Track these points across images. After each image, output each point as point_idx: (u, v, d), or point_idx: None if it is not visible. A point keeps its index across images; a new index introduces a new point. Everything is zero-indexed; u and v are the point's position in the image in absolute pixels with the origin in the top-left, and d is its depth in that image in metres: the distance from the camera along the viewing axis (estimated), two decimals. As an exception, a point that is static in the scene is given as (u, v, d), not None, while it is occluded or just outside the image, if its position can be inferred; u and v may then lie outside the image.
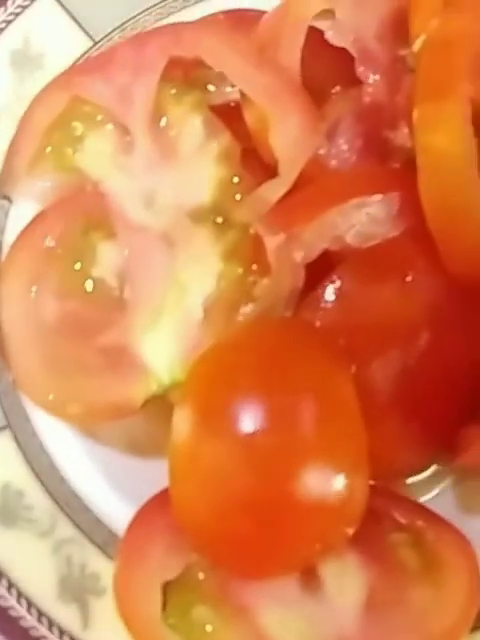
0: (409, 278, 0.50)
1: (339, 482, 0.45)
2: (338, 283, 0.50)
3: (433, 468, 0.53)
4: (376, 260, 0.50)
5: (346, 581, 0.48)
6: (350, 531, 0.47)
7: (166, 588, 0.46)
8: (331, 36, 0.54)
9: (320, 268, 0.50)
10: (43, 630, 0.48)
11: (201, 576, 0.47)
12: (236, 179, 0.53)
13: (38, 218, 0.57)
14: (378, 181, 0.51)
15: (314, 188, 0.51)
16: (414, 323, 0.50)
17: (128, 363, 0.53)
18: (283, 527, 0.46)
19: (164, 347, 0.52)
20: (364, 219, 0.50)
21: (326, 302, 0.50)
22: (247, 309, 0.50)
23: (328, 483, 0.45)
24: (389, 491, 0.52)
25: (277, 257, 0.49)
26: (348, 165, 0.53)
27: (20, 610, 0.49)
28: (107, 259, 0.55)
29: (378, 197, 0.50)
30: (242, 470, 0.46)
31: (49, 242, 0.56)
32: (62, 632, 0.48)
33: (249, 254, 0.51)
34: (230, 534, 0.47)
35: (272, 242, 0.49)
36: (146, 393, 0.51)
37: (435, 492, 0.53)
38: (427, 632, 0.46)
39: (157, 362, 0.52)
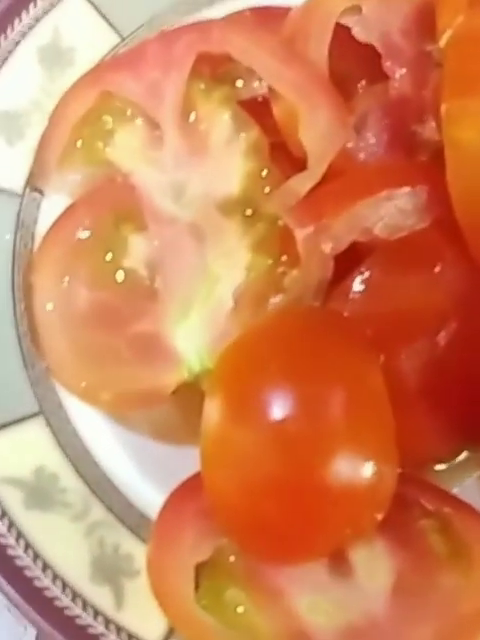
0: (437, 269, 0.49)
1: (368, 469, 0.45)
2: (366, 274, 0.49)
3: (462, 457, 0.53)
4: (404, 251, 0.50)
5: (375, 566, 0.47)
6: (379, 517, 0.46)
7: (198, 570, 0.47)
8: (358, 31, 0.54)
9: (349, 259, 0.50)
10: (77, 610, 0.48)
11: (232, 559, 0.47)
12: (265, 172, 0.52)
13: (69, 210, 0.56)
14: (406, 174, 0.50)
15: (343, 181, 0.50)
16: (442, 313, 0.49)
17: (159, 352, 0.52)
18: (313, 513, 0.46)
19: (195, 336, 0.52)
20: (392, 211, 0.49)
21: (355, 293, 0.49)
22: (276, 300, 0.50)
23: (357, 469, 0.45)
24: (418, 479, 0.51)
25: (306, 249, 0.48)
26: (376, 158, 0.52)
27: (55, 591, 0.49)
28: (138, 250, 0.55)
29: (406, 190, 0.49)
30: (272, 456, 0.45)
31: (80, 234, 0.55)
32: (96, 612, 0.48)
33: (278, 246, 0.51)
34: (260, 519, 0.46)
35: (301, 234, 0.48)
36: (177, 381, 0.51)
37: (464, 481, 0.53)
38: (454, 616, 0.45)
39: (188, 350, 0.51)
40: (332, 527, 0.46)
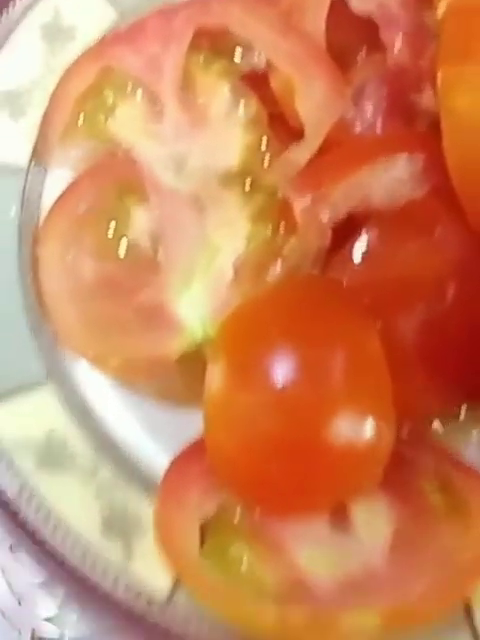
0: (434, 236, 0.50)
1: (365, 427, 0.46)
2: (364, 242, 0.50)
3: (462, 417, 0.54)
4: (402, 219, 0.50)
5: (375, 521, 0.49)
6: (377, 473, 0.48)
7: (203, 527, 0.48)
8: (355, 3, 0.54)
9: (347, 228, 0.51)
10: (88, 567, 0.49)
11: (236, 516, 0.48)
12: (264, 144, 0.53)
13: (73, 185, 0.57)
14: (403, 143, 0.51)
15: (340, 151, 0.51)
16: (439, 279, 0.50)
17: (163, 321, 0.53)
18: (311, 470, 0.47)
19: (197, 306, 0.53)
20: (389, 180, 0.50)
21: (353, 261, 0.50)
22: (276, 269, 0.51)
23: (355, 429, 0.46)
24: (419, 437, 0.53)
25: (304, 218, 0.49)
26: (373, 129, 0.53)
27: (66, 548, 0.50)
28: (140, 222, 0.56)
29: (403, 158, 0.50)
30: (273, 418, 0.47)
31: (84, 207, 0.56)
32: (106, 569, 0.49)
33: (277, 216, 0.51)
34: (262, 478, 0.48)
35: (299, 204, 0.49)
36: (180, 349, 0.52)
37: (465, 438, 0.54)
38: (450, 568, 0.47)
39: (191, 320, 0.52)
40: (331, 483, 0.48)
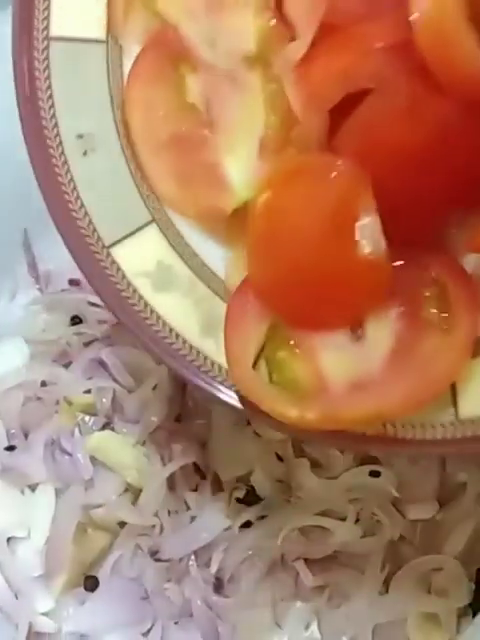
0: (419, 108, 0.55)
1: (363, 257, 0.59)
2: (359, 119, 0.56)
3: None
4: (391, 95, 0.55)
5: (381, 332, 0.61)
6: (380, 291, 0.60)
7: (257, 341, 0.64)
8: None
9: (343, 108, 0.56)
10: (192, 356, 0.67)
11: (281, 332, 0.64)
12: (273, 30, 0.57)
13: (140, 56, 0.66)
14: (391, 24, 0.53)
15: (332, 40, 0.54)
16: (426, 139, 0.56)
17: (218, 178, 0.64)
18: (335, 289, 0.61)
19: (240, 170, 0.63)
20: (378, 63, 0.53)
21: (350, 134, 0.57)
22: (289, 150, 0.59)
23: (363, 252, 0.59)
24: (432, 247, 0.62)
25: (301, 111, 0.56)
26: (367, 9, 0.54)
27: (177, 344, 0.67)
28: (195, 90, 0.65)
29: (391, 41, 0.53)
30: (299, 250, 0.61)
31: (151, 75, 0.66)
32: (205, 358, 0.68)
33: (285, 103, 0.58)
34: (295, 299, 0.62)
35: (296, 98, 0.55)
36: (232, 205, 0.64)
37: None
38: (433, 371, 0.59)
39: (236, 181, 0.63)
40: (340, 300, 0.62)
